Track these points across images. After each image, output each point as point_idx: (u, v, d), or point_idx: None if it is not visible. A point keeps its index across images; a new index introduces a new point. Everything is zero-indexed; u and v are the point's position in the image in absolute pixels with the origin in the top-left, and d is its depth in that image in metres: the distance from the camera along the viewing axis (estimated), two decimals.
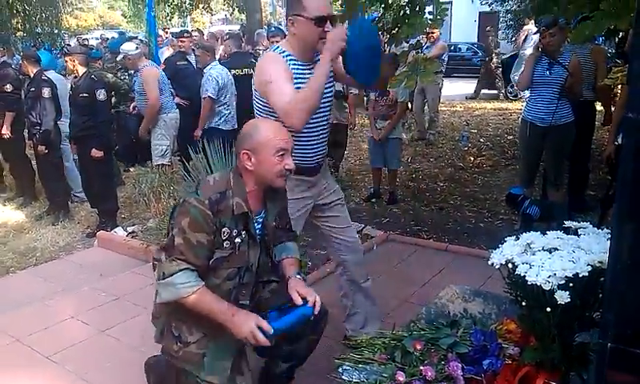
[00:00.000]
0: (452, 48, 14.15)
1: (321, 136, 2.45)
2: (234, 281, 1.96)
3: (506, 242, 1.55)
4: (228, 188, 1.90)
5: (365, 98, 7.71)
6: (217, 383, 1.97)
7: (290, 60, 2.27)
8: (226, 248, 1.89)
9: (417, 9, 3.56)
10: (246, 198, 1.92)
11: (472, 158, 6.85)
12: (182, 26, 21.02)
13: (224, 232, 1.87)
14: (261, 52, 6.42)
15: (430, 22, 3.59)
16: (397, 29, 3.74)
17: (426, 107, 8.05)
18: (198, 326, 1.94)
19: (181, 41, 6.94)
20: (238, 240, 1.92)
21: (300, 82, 2.23)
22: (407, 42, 4.07)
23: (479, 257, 3.66)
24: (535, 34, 5.40)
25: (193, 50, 6.82)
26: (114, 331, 3.00)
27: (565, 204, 4.43)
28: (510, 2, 12.58)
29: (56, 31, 15.29)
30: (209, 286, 1.90)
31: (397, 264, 3.83)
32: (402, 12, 3.74)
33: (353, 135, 8.03)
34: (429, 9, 3.64)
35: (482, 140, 7.85)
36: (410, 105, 8.00)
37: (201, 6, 18.73)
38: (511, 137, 7.76)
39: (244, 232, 1.93)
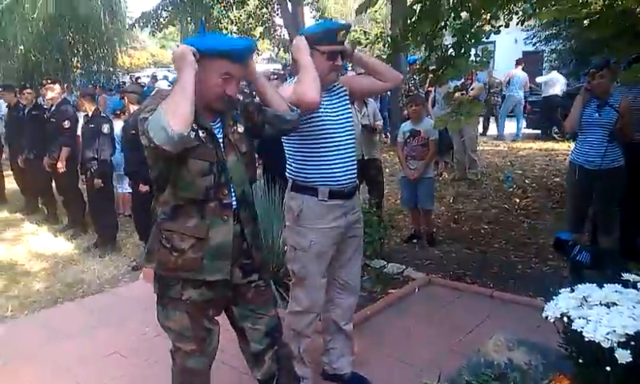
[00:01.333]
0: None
1: (348, 155, 2.49)
2: (208, 177, 1.94)
3: (560, 293, 1.50)
4: None
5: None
6: (221, 278, 2.00)
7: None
8: (193, 138, 1.87)
9: (462, 51, 3.58)
10: None
11: (517, 200, 6.69)
12: None
13: None
14: None
15: (475, 63, 3.61)
16: (441, 70, 3.77)
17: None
18: (187, 232, 1.96)
19: None
20: (201, 133, 1.93)
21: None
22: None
23: (527, 305, 3.53)
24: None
25: None
26: (157, 366, 3.03)
27: (617, 251, 4.24)
28: (555, 42, 12.39)
29: (111, 69, 16.10)
30: (183, 184, 1.92)
31: (439, 309, 3.73)
32: (446, 54, 3.77)
33: (393, 173, 8.01)
34: (474, 51, 3.66)
35: (527, 181, 7.66)
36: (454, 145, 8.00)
37: None
38: (558, 179, 7.55)
39: (202, 130, 1.94)
